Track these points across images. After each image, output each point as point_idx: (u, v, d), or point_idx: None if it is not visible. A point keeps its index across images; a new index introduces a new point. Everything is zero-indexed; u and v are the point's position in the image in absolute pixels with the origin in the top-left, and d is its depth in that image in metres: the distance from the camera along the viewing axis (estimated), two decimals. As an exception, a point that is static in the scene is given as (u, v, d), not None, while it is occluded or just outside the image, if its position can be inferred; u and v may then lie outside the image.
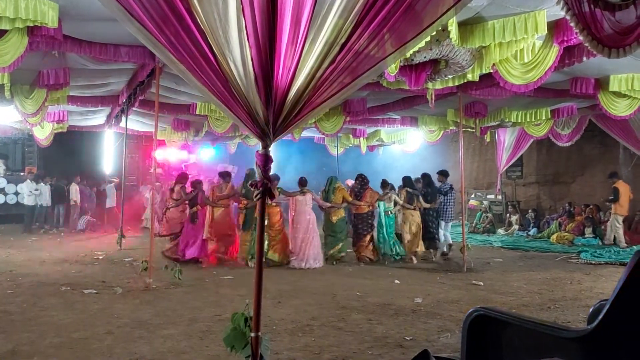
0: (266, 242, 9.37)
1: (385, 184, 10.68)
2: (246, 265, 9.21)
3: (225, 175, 10.05)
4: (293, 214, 9.71)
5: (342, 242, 9.96)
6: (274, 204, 9.60)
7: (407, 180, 10.68)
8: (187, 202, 9.77)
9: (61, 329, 5.24)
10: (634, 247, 11.25)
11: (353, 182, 10.97)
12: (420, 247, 10.17)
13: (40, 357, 4.41)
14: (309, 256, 9.36)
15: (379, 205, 10.19)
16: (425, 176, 10.91)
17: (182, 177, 10.35)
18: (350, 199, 9.96)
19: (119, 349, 4.63)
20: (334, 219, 9.90)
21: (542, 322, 1.42)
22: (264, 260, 9.33)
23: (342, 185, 10.24)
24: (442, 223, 10.78)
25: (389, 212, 10.30)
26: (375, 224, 10.23)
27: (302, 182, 9.91)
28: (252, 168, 9.79)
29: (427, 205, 10.38)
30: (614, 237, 12.00)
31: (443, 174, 11.02)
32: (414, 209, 10.24)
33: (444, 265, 9.68)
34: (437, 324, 5.53)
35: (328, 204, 9.81)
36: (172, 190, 10.08)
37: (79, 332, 5.12)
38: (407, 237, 10.11)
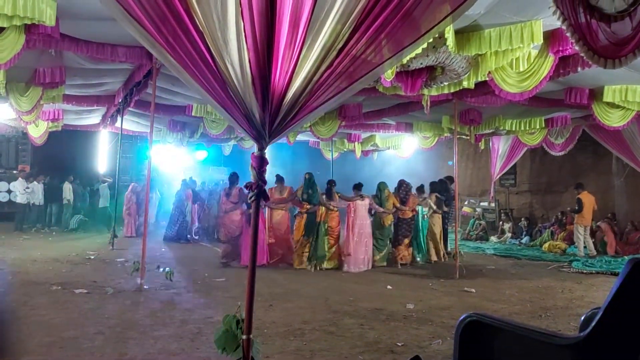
0: (325, 250, 9.49)
1: (422, 189, 11.13)
2: (313, 270, 9.31)
3: (280, 179, 9.98)
4: (352, 217, 9.77)
5: (387, 247, 10.21)
6: (335, 208, 9.74)
7: (436, 186, 11.42)
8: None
9: (51, 328, 5.21)
10: (625, 257, 11.31)
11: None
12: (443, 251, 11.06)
13: (30, 357, 4.39)
14: (364, 260, 9.57)
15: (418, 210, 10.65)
16: (444, 182, 11.77)
17: (234, 179, 9.97)
18: (398, 204, 10.25)
19: (109, 349, 4.61)
20: (387, 223, 10.14)
21: (535, 328, 1.43)
22: (313, 269, 8.98)
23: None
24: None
25: (425, 216, 10.82)
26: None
27: (359, 187, 10.09)
28: (311, 172, 9.91)
29: (446, 209, 11.28)
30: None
31: (450, 179, 11.85)
32: (440, 213, 11.05)
33: (436, 272, 9.70)
34: (428, 330, 5.53)
35: (381, 209, 10.02)
36: (227, 193, 9.77)
37: (70, 332, 5.09)
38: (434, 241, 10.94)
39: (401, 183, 10.64)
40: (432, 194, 11.16)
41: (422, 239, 10.67)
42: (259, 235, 9.00)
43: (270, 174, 10.45)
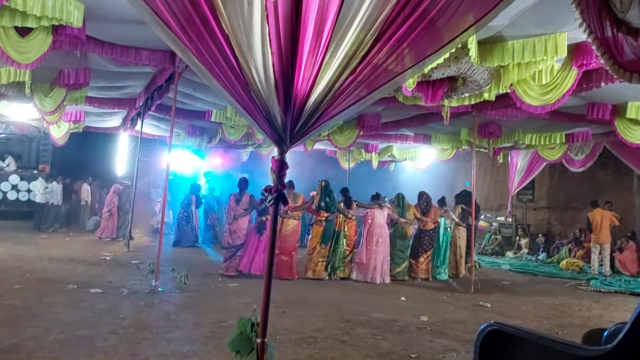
0: (338, 258, 9.41)
1: (443, 202, 10.93)
2: (329, 279, 9.24)
3: (291, 185, 9.51)
4: (369, 226, 9.67)
5: (407, 260, 9.98)
6: (354, 217, 9.68)
7: (461, 198, 11.06)
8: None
9: (66, 326, 5.26)
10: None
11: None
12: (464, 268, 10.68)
13: (44, 353, 4.43)
14: (383, 272, 9.40)
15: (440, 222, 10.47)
16: (469, 193, 11.40)
17: (244, 185, 9.53)
18: (419, 215, 10.13)
19: (122, 349, 4.63)
20: (409, 233, 10.02)
21: (559, 339, 1.40)
22: (329, 278, 9.13)
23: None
24: None
25: (448, 229, 10.61)
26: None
27: (377, 197, 10.02)
28: (326, 180, 9.79)
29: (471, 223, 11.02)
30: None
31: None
32: (465, 227, 10.69)
33: (451, 285, 9.60)
34: (442, 343, 5.47)
35: (403, 219, 9.88)
36: (236, 199, 9.35)
37: (84, 330, 5.13)
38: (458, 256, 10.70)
39: (422, 194, 10.52)
40: (457, 205, 10.86)
41: (443, 253, 10.40)
42: (259, 243, 8.94)
43: (298, 186, 10.34)
